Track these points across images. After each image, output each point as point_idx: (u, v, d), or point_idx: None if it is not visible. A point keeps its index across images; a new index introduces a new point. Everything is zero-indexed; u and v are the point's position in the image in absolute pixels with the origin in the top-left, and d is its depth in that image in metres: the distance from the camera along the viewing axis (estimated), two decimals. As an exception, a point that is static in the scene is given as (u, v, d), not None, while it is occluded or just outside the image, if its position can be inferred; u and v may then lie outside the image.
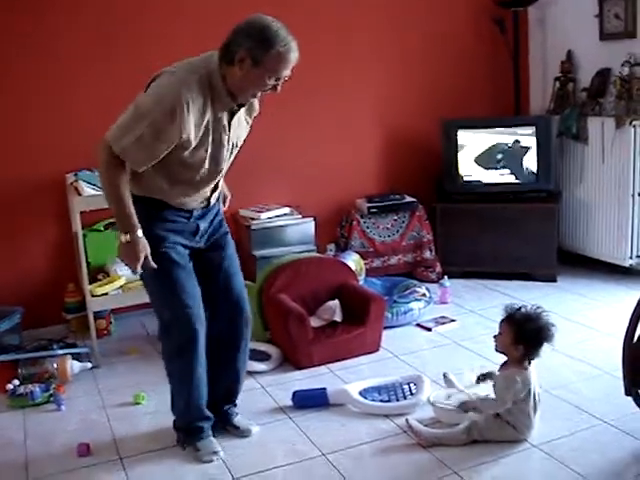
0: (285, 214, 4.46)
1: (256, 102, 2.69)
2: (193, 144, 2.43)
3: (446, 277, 4.43)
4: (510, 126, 4.64)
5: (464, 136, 4.66)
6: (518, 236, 4.61)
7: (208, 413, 2.84)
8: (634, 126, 4.27)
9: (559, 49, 4.85)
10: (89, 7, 4.04)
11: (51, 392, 3.35)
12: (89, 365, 3.63)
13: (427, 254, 4.76)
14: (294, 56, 2.37)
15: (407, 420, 2.85)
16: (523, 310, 2.79)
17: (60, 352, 3.60)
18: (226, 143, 2.55)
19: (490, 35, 5.02)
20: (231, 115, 2.53)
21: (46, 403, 3.32)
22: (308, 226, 4.44)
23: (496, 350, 2.84)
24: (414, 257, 4.79)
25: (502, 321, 2.82)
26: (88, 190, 3.70)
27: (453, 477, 2.58)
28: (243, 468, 2.71)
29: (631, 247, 4.47)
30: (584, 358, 3.52)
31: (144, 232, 2.53)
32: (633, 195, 4.38)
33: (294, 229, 4.42)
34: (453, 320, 4.09)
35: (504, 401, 2.72)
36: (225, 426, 2.95)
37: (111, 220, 4.11)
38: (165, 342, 2.76)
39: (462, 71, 5.03)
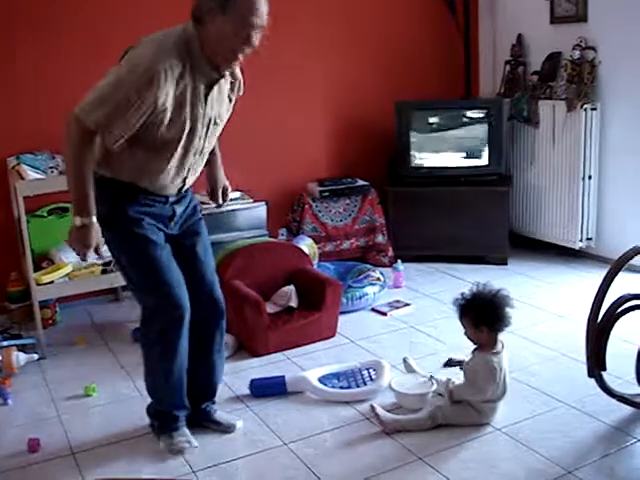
0: (236, 198, 4.35)
1: (240, 79, 2.56)
2: (168, 115, 2.27)
3: (399, 261, 4.39)
4: (463, 109, 4.62)
5: (417, 119, 4.63)
6: (470, 220, 4.61)
7: (187, 403, 2.73)
8: (585, 109, 4.30)
9: (509, 32, 4.85)
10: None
11: (-4, 386, 3.21)
12: (35, 356, 3.47)
13: (379, 238, 4.72)
14: (266, 2, 2.26)
15: (372, 406, 2.80)
16: (466, 295, 2.78)
17: (5, 343, 3.43)
18: (201, 117, 2.39)
19: (442, 17, 5.00)
20: (210, 88, 2.38)
21: (-10, 397, 3.18)
22: (260, 210, 4.35)
23: (473, 342, 2.80)
24: (366, 241, 4.75)
25: (460, 319, 2.80)
26: (32, 174, 3.54)
27: (419, 463, 2.55)
28: (202, 461, 2.62)
29: (581, 230, 4.52)
30: (539, 340, 3.53)
31: (119, 215, 2.42)
32: (583, 178, 4.42)
33: (246, 214, 4.32)
34: (408, 304, 4.06)
35: (486, 389, 2.69)
36: (205, 423, 2.83)
37: (55, 206, 3.96)
38: (147, 327, 2.60)
39: (414, 54, 4.99)
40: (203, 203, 4.23)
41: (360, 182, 4.70)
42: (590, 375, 2.67)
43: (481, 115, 4.57)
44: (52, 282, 3.62)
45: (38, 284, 3.56)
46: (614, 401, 2.79)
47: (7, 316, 4.00)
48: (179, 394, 2.68)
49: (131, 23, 3.91)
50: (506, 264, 4.64)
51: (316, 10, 4.65)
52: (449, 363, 3.23)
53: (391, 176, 4.78)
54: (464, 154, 4.65)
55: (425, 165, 4.70)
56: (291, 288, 3.68)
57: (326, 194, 4.58)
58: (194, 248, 2.67)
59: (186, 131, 2.35)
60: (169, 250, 2.56)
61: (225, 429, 2.81)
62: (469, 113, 4.60)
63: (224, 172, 2.85)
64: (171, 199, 2.55)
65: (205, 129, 2.44)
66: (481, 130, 4.58)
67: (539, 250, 4.80)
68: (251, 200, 4.36)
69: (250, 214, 4.33)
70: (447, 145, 4.66)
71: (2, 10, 3.81)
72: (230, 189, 2.88)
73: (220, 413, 2.87)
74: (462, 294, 2.80)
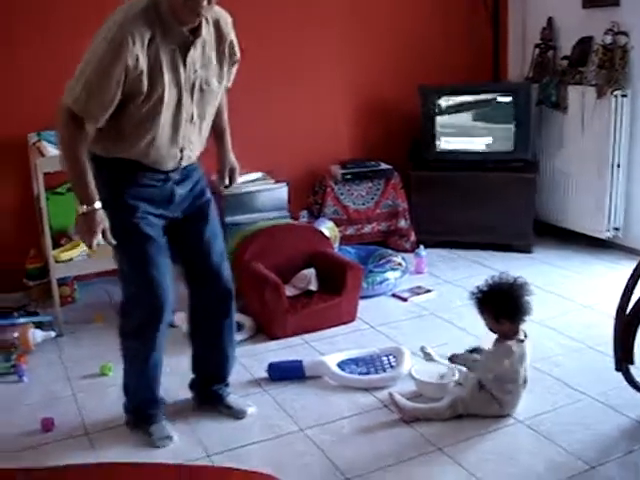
0: (258, 179, 4.30)
1: (231, 39, 2.46)
2: (145, 82, 2.22)
3: (422, 246, 4.32)
4: (489, 92, 4.52)
5: (442, 102, 4.54)
6: (494, 206, 4.52)
7: (159, 398, 2.69)
8: (615, 96, 4.18)
9: (540, 16, 4.72)
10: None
11: (12, 363, 3.20)
12: (52, 334, 3.45)
13: (402, 223, 4.64)
14: None
15: (391, 394, 2.75)
16: (483, 288, 2.71)
17: (22, 320, 3.42)
18: (183, 82, 2.32)
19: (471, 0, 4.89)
20: (186, 50, 2.30)
21: (7, 374, 3.16)
22: (281, 192, 4.29)
23: (495, 334, 2.74)
24: (388, 226, 4.67)
25: (479, 312, 2.73)
26: (52, 150, 3.50)
27: (437, 453, 2.50)
28: (218, 445, 2.59)
29: (608, 219, 4.41)
30: (564, 331, 3.45)
31: (114, 200, 2.37)
32: (612, 166, 4.30)
33: (267, 195, 4.26)
34: (429, 290, 4.00)
35: (498, 368, 2.63)
36: (217, 406, 2.79)
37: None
38: (125, 319, 2.58)
39: (439, 36, 4.88)
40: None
41: (383, 165, 4.62)
42: (617, 368, 2.60)
43: (508, 99, 4.46)
44: (71, 259, 3.60)
45: (57, 261, 3.54)
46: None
47: (25, 293, 3.98)
48: (153, 389, 2.65)
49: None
50: (531, 252, 4.54)
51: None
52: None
53: (414, 160, 4.70)
54: (490, 139, 4.55)
55: (450, 149, 4.61)
56: (311, 271, 3.62)
57: (348, 177, 4.51)
58: (200, 233, 2.60)
59: (167, 96, 2.29)
60: (162, 242, 2.50)
61: (236, 414, 2.76)
62: (496, 97, 4.49)
63: (235, 154, 2.78)
64: (173, 177, 2.48)
65: (190, 94, 2.37)
66: (508, 115, 4.47)
67: (565, 239, 4.69)
68: (272, 181, 4.31)
69: (271, 195, 4.27)
70: (473, 130, 4.56)
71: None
72: (238, 170, 2.80)
73: (233, 397, 2.83)
74: (478, 287, 2.73)
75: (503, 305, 2.67)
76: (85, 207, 2.28)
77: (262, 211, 4.24)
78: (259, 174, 4.34)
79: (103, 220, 2.31)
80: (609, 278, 4.11)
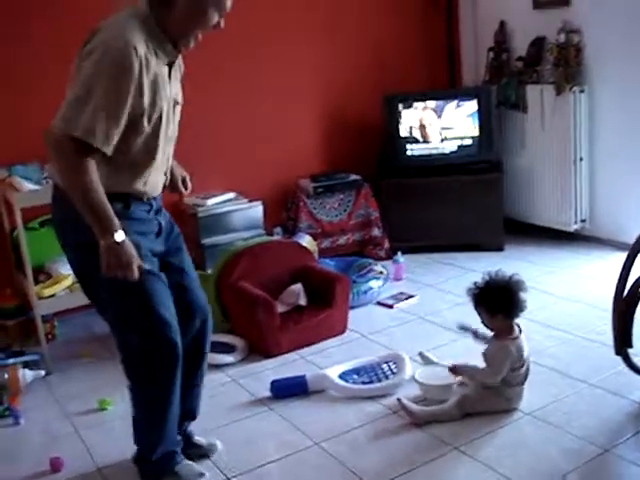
0: (231, 199, 4.30)
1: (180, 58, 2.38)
2: (147, 100, 2.10)
3: (400, 253, 4.37)
4: (452, 98, 4.61)
5: (406, 110, 4.61)
6: (464, 208, 4.62)
7: (179, 436, 2.53)
8: (574, 92, 4.32)
9: (491, 19, 4.86)
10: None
11: (5, 405, 3.10)
12: (42, 373, 3.36)
13: (375, 231, 4.69)
14: None
15: (399, 399, 2.77)
16: (480, 284, 2.77)
17: (11, 361, 3.33)
18: (168, 99, 2.22)
19: (424, 9, 5.00)
20: (170, 67, 2.24)
21: (1, 418, 3.07)
22: (256, 210, 4.30)
23: (490, 330, 2.80)
24: (363, 235, 4.72)
25: (475, 307, 2.79)
26: (28, 185, 3.44)
27: (455, 453, 2.53)
28: (236, 467, 2.56)
29: (575, 212, 4.54)
30: (550, 323, 3.54)
31: None
32: (575, 161, 4.44)
33: (242, 214, 4.27)
34: (412, 295, 4.05)
35: (501, 371, 2.68)
36: (186, 450, 2.56)
37: (47, 217, 3.84)
38: (136, 367, 2.35)
39: (398, 47, 4.98)
40: (199, 206, 4.20)
41: (353, 176, 4.67)
42: (617, 353, 2.67)
43: (470, 103, 4.56)
44: (53, 295, 3.53)
45: (39, 298, 3.47)
46: (637, 378, 2.79)
47: (2, 333, 3.88)
48: (174, 431, 2.46)
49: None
50: (503, 250, 4.65)
51: (301, 7, 4.62)
52: (463, 327, 3.09)
53: (382, 169, 4.76)
54: (454, 143, 4.64)
55: (415, 156, 4.69)
56: (299, 286, 3.63)
57: (320, 190, 4.54)
58: (181, 265, 2.47)
59: (164, 114, 2.20)
60: (165, 282, 2.33)
61: (207, 452, 2.63)
62: (457, 102, 4.59)
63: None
64: (154, 206, 2.36)
65: (173, 111, 2.29)
66: (470, 118, 4.57)
67: (534, 234, 4.81)
68: (246, 200, 4.31)
69: (246, 214, 4.28)
70: (437, 135, 4.64)
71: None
72: (189, 177, 2.61)
73: (197, 437, 2.66)
74: (475, 283, 2.79)
75: (499, 299, 2.73)
76: (113, 239, 2.08)
77: (238, 230, 4.25)
78: (231, 194, 4.33)
79: (132, 246, 2.13)
80: (582, 269, 4.24)
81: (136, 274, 2.14)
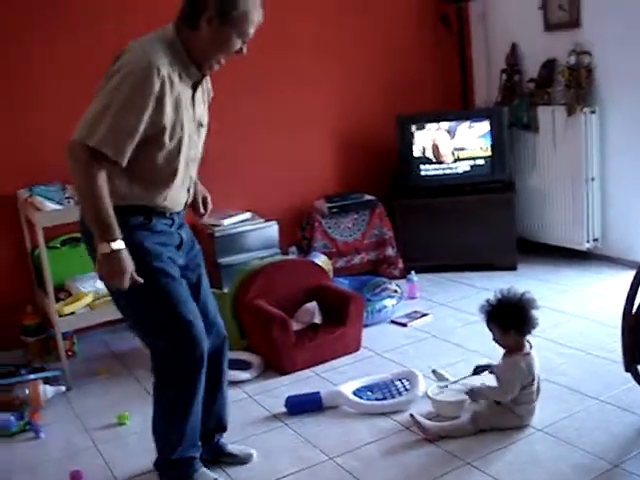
0: (247, 219, 4.37)
1: (209, 82, 2.50)
2: (169, 121, 2.20)
3: (413, 272, 4.43)
4: (465, 119, 4.68)
5: (419, 131, 4.69)
6: (477, 227, 4.67)
7: (199, 442, 2.58)
8: (584, 113, 4.38)
9: (503, 42, 4.93)
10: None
11: (26, 420, 3.18)
12: (63, 388, 3.45)
13: (389, 251, 4.75)
14: (261, 12, 2.26)
15: (412, 415, 2.82)
16: (492, 301, 2.82)
17: (32, 377, 3.41)
18: (193, 120, 2.33)
19: (437, 31, 5.10)
20: (193, 89, 2.33)
21: (22, 432, 3.15)
22: (272, 230, 4.37)
23: (502, 347, 2.85)
24: (377, 255, 4.78)
25: (487, 324, 2.84)
26: (49, 205, 3.53)
27: (467, 468, 2.57)
28: (254, 483, 2.62)
29: (587, 231, 4.58)
30: (562, 341, 3.57)
31: (136, 246, 2.26)
32: (587, 180, 4.49)
33: (258, 234, 4.34)
34: (426, 314, 4.09)
35: (513, 389, 2.72)
36: (219, 458, 2.72)
37: (68, 236, 3.95)
38: (163, 371, 2.43)
39: (412, 67, 5.08)
40: (215, 226, 4.28)
41: (367, 197, 4.74)
42: (627, 369, 2.71)
43: (482, 124, 4.63)
44: (73, 313, 3.61)
45: (60, 315, 3.55)
46: (646, 394, 2.83)
47: (23, 350, 3.97)
48: (195, 435, 2.53)
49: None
50: (515, 269, 4.69)
51: (318, 30, 4.73)
52: (477, 371, 3.21)
53: (396, 189, 4.83)
54: (467, 163, 4.71)
55: (429, 176, 4.75)
56: (314, 305, 3.69)
57: (335, 210, 4.61)
58: (199, 281, 2.57)
59: (185, 135, 2.29)
60: (185, 284, 2.44)
61: (242, 460, 2.73)
62: (470, 122, 4.66)
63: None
64: (177, 221, 2.45)
65: (197, 132, 2.39)
66: (483, 139, 4.64)
67: (547, 254, 4.85)
68: (262, 220, 4.38)
69: (262, 234, 4.34)
70: (450, 155, 4.71)
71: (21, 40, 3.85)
72: (210, 198, 2.71)
73: (231, 445, 2.77)
74: (487, 300, 2.84)
75: (511, 316, 2.78)
76: (109, 246, 2.14)
77: (254, 250, 4.31)
78: (248, 214, 4.41)
79: (129, 258, 2.19)
80: (594, 287, 4.28)
81: (126, 284, 2.19)
